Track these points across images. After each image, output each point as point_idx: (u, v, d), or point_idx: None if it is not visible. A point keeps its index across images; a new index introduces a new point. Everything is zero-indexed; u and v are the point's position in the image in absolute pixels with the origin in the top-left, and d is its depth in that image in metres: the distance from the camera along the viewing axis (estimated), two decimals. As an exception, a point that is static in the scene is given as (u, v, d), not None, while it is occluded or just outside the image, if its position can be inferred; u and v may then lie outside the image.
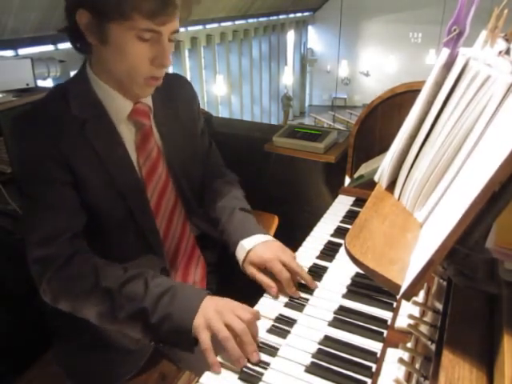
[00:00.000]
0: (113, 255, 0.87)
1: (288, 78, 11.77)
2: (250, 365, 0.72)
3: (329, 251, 1.03)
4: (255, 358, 0.72)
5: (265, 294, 0.89)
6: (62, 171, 0.85)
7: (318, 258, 1.01)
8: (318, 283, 0.91)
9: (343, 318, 0.82)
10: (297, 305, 0.86)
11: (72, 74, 0.95)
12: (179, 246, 1.05)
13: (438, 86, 0.74)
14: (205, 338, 0.73)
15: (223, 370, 0.72)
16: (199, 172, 1.11)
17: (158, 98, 0.98)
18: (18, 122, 0.87)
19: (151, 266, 0.91)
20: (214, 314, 0.76)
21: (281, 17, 10.94)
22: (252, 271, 0.92)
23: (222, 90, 8.96)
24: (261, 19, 10.06)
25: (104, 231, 0.92)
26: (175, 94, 1.05)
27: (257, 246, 0.94)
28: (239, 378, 0.70)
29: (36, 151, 0.84)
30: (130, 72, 0.84)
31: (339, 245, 1.04)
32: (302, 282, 0.91)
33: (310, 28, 12.84)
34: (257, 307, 0.86)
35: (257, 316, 0.80)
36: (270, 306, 0.86)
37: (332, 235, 1.10)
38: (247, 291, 0.91)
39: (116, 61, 0.84)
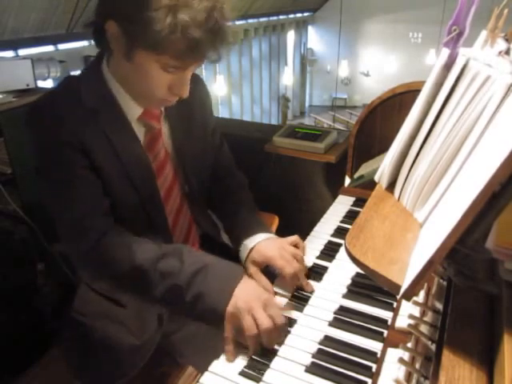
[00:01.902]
0: None
1: (288, 78, 11.75)
2: (249, 365, 0.72)
3: (329, 251, 1.03)
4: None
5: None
6: (81, 156, 0.85)
7: (318, 258, 1.01)
8: (317, 283, 0.92)
9: (343, 317, 0.82)
10: (297, 305, 0.86)
11: (72, 74, 0.94)
12: (186, 244, 1.06)
13: (438, 86, 0.74)
14: (229, 328, 0.75)
15: (224, 370, 0.72)
16: (209, 171, 1.11)
17: None
18: (34, 112, 0.87)
19: None
20: (245, 306, 0.76)
21: (281, 17, 10.92)
22: (252, 271, 0.93)
23: (222, 90, 8.95)
24: (261, 19, 10.04)
25: (115, 222, 0.92)
26: (191, 96, 1.04)
27: (258, 244, 0.95)
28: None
29: (54, 138, 0.84)
30: (145, 93, 0.86)
31: (339, 245, 1.04)
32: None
33: (310, 28, 12.82)
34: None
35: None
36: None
37: (332, 235, 1.10)
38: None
39: (135, 79, 0.84)
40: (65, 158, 0.85)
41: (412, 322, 0.67)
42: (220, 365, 0.73)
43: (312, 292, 0.89)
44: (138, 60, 0.80)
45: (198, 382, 0.70)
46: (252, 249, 0.95)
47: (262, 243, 0.95)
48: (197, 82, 1.08)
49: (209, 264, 0.81)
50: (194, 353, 0.82)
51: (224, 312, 0.76)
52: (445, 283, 0.67)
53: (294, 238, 0.98)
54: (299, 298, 0.88)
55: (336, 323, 0.80)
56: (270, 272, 0.93)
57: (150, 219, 0.95)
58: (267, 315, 0.75)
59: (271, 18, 10.51)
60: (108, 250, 0.84)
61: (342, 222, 1.16)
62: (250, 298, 0.77)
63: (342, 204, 1.25)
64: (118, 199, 0.90)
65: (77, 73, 0.94)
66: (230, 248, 1.06)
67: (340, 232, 1.11)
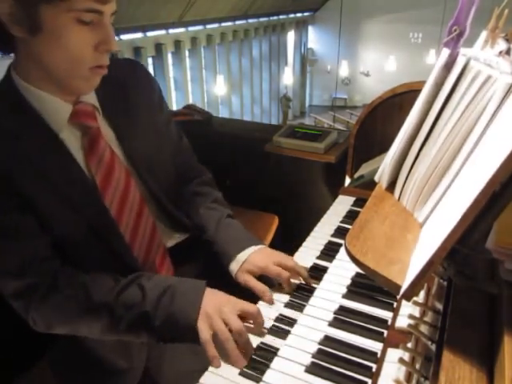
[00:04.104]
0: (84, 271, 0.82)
1: (288, 78, 11.75)
2: (249, 366, 0.72)
3: (329, 251, 1.03)
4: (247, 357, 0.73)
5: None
6: (7, 196, 0.75)
7: (318, 258, 1.01)
8: (317, 283, 0.92)
9: (343, 317, 0.82)
10: (297, 305, 0.86)
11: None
12: (147, 256, 0.95)
13: (439, 86, 0.74)
14: (205, 334, 0.73)
15: (224, 370, 0.72)
16: (169, 169, 1.01)
17: (104, 90, 0.85)
18: None
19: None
20: (214, 312, 0.75)
21: (281, 17, 10.93)
22: (246, 278, 0.91)
23: (222, 90, 8.96)
24: (261, 19, 10.05)
25: (71, 250, 0.84)
26: (125, 82, 0.92)
27: (250, 256, 0.94)
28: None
29: None
30: (72, 63, 0.73)
31: (339, 245, 1.04)
32: (301, 281, 0.92)
33: (310, 28, 12.82)
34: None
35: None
36: (270, 306, 0.86)
37: (332, 235, 1.10)
38: (244, 295, 0.91)
39: (54, 52, 0.71)
40: None
41: (412, 322, 0.67)
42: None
43: (312, 291, 0.89)
44: (47, 24, 0.68)
45: (198, 382, 0.70)
46: (244, 261, 0.93)
47: (253, 255, 0.94)
48: (134, 69, 0.97)
49: (171, 284, 0.78)
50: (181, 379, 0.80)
51: (195, 324, 0.74)
52: (445, 283, 0.67)
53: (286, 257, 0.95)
54: (299, 298, 0.88)
55: (336, 323, 0.80)
56: (265, 280, 0.92)
57: (104, 241, 0.86)
58: (237, 317, 0.75)
59: (271, 18, 10.53)
60: (63, 296, 0.77)
61: (342, 222, 1.16)
62: (218, 302, 0.76)
63: (342, 204, 1.25)
64: (62, 228, 0.81)
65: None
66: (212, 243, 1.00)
67: (340, 232, 1.11)
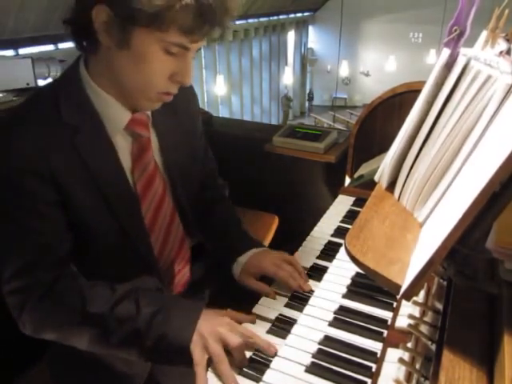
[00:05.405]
0: (105, 275, 0.82)
1: (288, 78, 11.75)
2: (249, 366, 0.72)
3: (329, 251, 1.03)
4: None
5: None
6: (49, 189, 0.75)
7: (318, 258, 1.01)
8: (317, 283, 0.92)
9: (343, 317, 0.82)
10: (297, 305, 0.86)
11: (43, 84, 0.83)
12: (173, 265, 0.98)
13: (439, 86, 0.74)
14: (199, 357, 0.70)
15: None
16: (196, 180, 1.05)
17: None
18: (0, 130, 0.76)
19: (146, 287, 0.86)
20: (209, 333, 0.72)
21: (281, 17, 10.91)
22: (249, 281, 0.93)
23: (222, 90, 8.95)
24: (261, 19, 10.04)
25: (95, 251, 0.86)
26: (174, 97, 0.97)
27: (251, 257, 0.95)
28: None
29: (19, 165, 0.73)
30: (144, 84, 0.76)
31: (339, 245, 1.04)
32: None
33: (310, 28, 12.81)
34: (257, 307, 0.86)
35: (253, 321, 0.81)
36: (270, 306, 0.86)
37: (332, 235, 1.10)
38: (246, 293, 0.92)
39: (131, 70, 0.75)
40: (27, 192, 0.74)
41: (412, 322, 0.67)
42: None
43: (312, 292, 0.89)
44: (136, 44, 0.71)
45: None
46: (245, 263, 0.95)
47: (255, 256, 0.95)
48: (186, 89, 0.99)
49: (167, 303, 0.76)
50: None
51: (189, 345, 0.71)
52: (445, 283, 0.67)
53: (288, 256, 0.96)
54: (299, 298, 0.88)
55: (336, 323, 0.80)
56: (266, 280, 0.93)
57: (133, 246, 0.87)
58: (235, 334, 0.73)
59: (271, 18, 10.51)
60: (58, 302, 0.77)
61: (342, 221, 1.16)
62: (213, 324, 0.74)
63: (342, 204, 1.25)
64: (95, 228, 0.82)
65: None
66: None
67: (340, 232, 1.11)
